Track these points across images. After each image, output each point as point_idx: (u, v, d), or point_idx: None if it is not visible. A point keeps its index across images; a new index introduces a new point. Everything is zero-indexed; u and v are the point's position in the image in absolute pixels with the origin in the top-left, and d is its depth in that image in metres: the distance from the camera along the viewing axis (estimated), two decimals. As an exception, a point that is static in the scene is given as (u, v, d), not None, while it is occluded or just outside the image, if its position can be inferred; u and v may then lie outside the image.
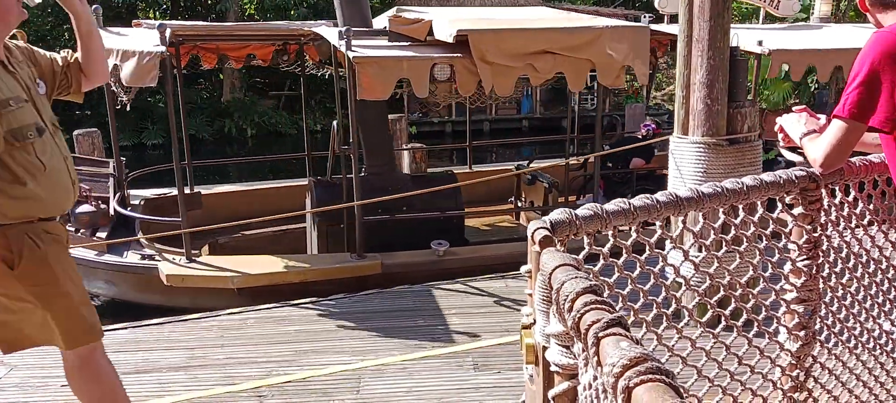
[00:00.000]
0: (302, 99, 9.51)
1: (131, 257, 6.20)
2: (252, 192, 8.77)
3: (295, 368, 4.06)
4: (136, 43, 5.73)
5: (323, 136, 19.59)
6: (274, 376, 3.97)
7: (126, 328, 4.88)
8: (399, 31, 5.93)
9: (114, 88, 6.25)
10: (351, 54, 5.37)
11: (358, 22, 6.31)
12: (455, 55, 5.62)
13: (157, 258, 6.05)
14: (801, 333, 2.13)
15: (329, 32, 6.29)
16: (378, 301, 5.16)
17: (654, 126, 8.62)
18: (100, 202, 6.62)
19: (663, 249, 1.93)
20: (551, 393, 1.36)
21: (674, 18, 6.54)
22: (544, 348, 1.43)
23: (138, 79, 5.50)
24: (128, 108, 6.77)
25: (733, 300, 2.02)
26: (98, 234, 6.43)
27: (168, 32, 5.60)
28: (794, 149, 2.23)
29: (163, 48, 5.49)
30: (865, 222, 2.18)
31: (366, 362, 4.09)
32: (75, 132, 10.36)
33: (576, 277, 1.16)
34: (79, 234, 6.23)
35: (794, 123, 2.14)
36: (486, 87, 5.65)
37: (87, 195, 6.52)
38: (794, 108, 2.20)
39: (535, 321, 1.52)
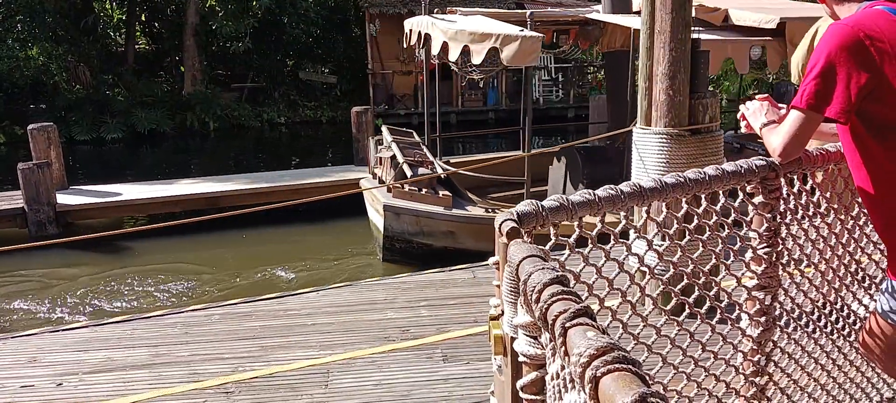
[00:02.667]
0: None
1: (475, 210, 7.34)
2: (485, 160, 9.21)
3: (262, 364, 4.02)
4: (503, 27, 6.88)
5: (287, 129, 19.40)
6: (240, 372, 3.92)
7: (88, 326, 4.78)
8: (697, 18, 6.74)
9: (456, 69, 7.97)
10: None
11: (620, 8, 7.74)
12: (766, 39, 6.85)
13: (493, 211, 6.93)
14: (762, 319, 2.18)
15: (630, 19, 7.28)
16: (346, 293, 5.13)
17: None
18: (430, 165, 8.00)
19: (628, 239, 1.96)
20: (519, 384, 1.37)
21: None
22: (512, 339, 1.44)
23: (521, 59, 6.49)
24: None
25: (697, 288, 2.05)
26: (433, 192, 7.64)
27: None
28: (755, 136, 2.28)
29: (537, 34, 6.54)
30: (822, 209, 2.23)
31: (334, 356, 4.07)
32: (30, 127, 10.08)
33: (543, 268, 1.17)
34: (422, 192, 7.52)
35: (755, 113, 2.19)
36: (792, 68, 5.99)
37: (422, 159, 7.96)
38: (756, 97, 2.24)
39: (502, 312, 1.53)
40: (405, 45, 9.57)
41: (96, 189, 10.26)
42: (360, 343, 4.25)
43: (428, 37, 8.03)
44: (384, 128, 8.77)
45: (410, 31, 8.74)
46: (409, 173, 7.49)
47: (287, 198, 9.32)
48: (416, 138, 8.84)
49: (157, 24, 21.85)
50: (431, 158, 8.18)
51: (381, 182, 8.03)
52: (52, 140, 9.95)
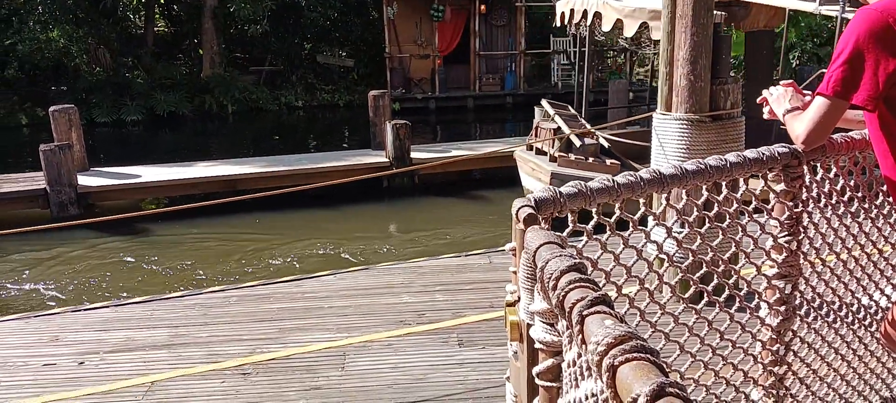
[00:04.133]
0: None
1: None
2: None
3: (279, 345, 4.05)
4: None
5: (304, 112, 19.45)
6: (258, 353, 3.96)
7: (109, 306, 4.85)
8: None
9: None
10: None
11: None
12: None
13: None
14: (782, 308, 2.16)
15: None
16: (363, 277, 5.16)
17: None
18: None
19: (646, 225, 1.94)
20: (535, 370, 1.37)
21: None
22: (528, 325, 1.44)
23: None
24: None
25: (715, 276, 2.03)
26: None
27: None
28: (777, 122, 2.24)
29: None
30: (846, 198, 2.20)
31: (350, 339, 4.10)
32: (51, 109, 10.19)
33: (560, 255, 1.16)
34: (589, 161, 7.86)
35: (779, 98, 2.15)
36: None
37: (584, 131, 8.34)
38: (780, 83, 2.20)
39: (519, 298, 1.52)
40: (558, 25, 9.75)
41: (116, 170, 10.36)
42: (376, 326, 4.27)
43: (597, 14, 8.42)
44: (545, 102, 9.13)
45: (569, 10, 9.11)
46: (577, 143, 7.89)
47: (304, 181, 9.36)
48: (573, 111, 9.19)
49: (176, 7, 21.91)
50: (592, 130, 8.43)
51: (538, 152, 8.49)
52: (73, 122, 10.05)
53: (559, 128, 8.37)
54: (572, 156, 7.92)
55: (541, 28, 21.55)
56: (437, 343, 4.02)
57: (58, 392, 3.63)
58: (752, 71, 9.04)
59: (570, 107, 9.42)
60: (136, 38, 20.39)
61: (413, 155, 10.60)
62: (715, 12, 6.61)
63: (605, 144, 8.27)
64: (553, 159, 8.09)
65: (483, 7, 19.00)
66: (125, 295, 6.47)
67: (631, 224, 1.79)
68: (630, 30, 7.84)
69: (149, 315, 4.60)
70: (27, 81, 17.75)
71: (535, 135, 8.78)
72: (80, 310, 4.80)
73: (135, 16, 21.67)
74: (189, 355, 3.99)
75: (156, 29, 21.11)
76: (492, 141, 13.19)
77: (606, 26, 8.37)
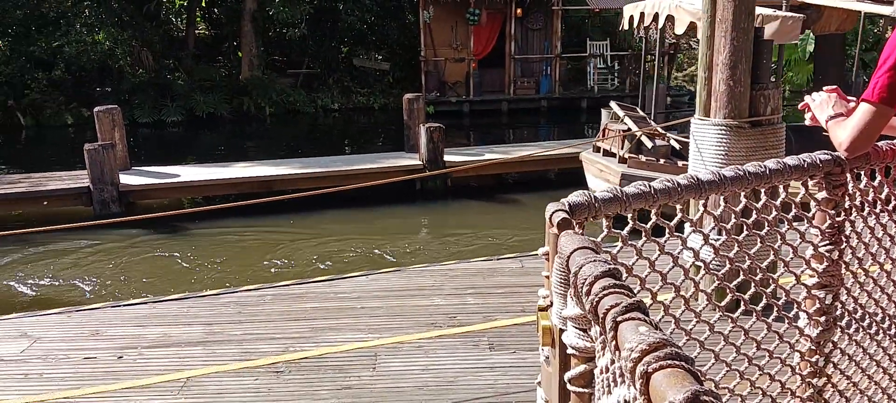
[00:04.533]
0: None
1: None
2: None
3: (311, 345, 4.10)
4: (761, 8, 7.08)
5: (340, 115, 19.63)
6: (291, 352, 4.01)
7: (147, 302, 4.96)
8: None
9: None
10: None
11: None
12: None
13: None
14: (822, 319, 2.11)
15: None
16: (395, 279, 5.18)
17: None
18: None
19: (682, 232, 1.91)
20: (567, 376, 1.36)
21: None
22: (561, 330, 1.43)
23: (782, 37, 6.95)
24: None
25: (753, 284, 1.99)
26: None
27: None
28: (820, 129, 2.19)
29: (798, 15, 7.06)
30: (890, 207, 2.13)
31: (382, 339, 4.12)
32: (96, 109, 10.46)
33: (594, 260, 1.15)
34: (659, 162, 7.96)
35: (822, 105, 2.10)
36: None
37: (654, 133, 8.41)
38: (824, 89, 2.15)
39: (551, 303, 1.51)
40: (625, 28, 9.84)
41: (157, 170, 10.60)
42: (407, 327, 4.28)
43: (670, 17, 8.48)
44: (614, 104, 9.19)
45: (638, 14, 9.17)
46: (649, 144, 7.91)
47: (339, 182, 9.46)
48: (642, 113, 9.25)
49: (216, 10, 22.33)
50: (662, 131, 8.48)
51: (606, 154, 8.59)
52: (116, 122, 10.30)
53: (629, 129, 8.38)
54: (643, 158, 7.90)
55: (577, 32, 21.40)
56: (467, 346, 4.01)
57: (97, 384, 3.72)
58: (820, 74, 8.96)
59: (638, 109, 9.40)
60: (178, 41, 20.83)
61: (446, 158, 10.62)
62: (795, 15, 6.61)
63: (676, 146, 8.22)
64: (622, 160, 8.07)
65: (519, 10, 18.96)
66: (163, 291, 6.60)
67: (667, 230, 1.76)
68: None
69: (185, 311, 4.69)
70: (73, 82, 18.26)
71: (603, 137, 8.77)
72: (119, 306, 4.91)
73: (177, 19, 22.14)
74: (223, 352, 4.06)
75: (196, 32, 21.53)
76: (525, 145, 13.14)
77: (679, 29, 8.41)
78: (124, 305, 4.93)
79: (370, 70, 21.23)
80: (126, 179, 9.83)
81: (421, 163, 10.57)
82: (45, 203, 9.48)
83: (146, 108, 17.76)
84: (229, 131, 17.74)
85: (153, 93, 18.03)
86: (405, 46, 21.14)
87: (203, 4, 21.99)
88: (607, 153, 8.60)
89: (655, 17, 8.81)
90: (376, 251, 8.20)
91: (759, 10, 7.40)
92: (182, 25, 21.76)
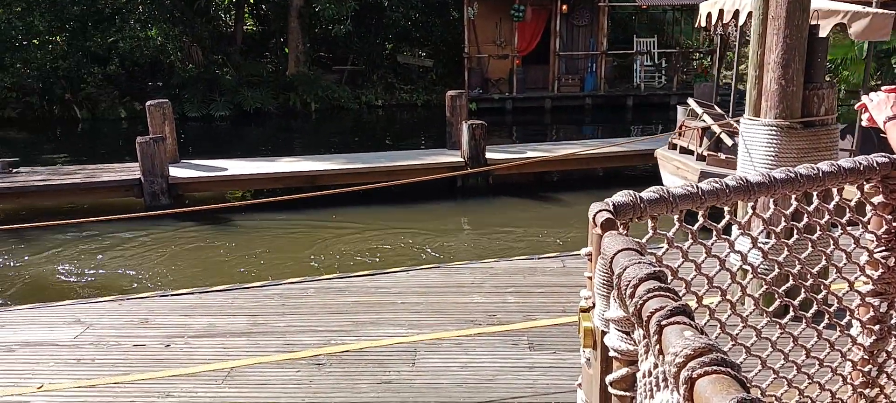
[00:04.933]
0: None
1: None
2: None
3: (352, 338, 4.14)
4: (849, 5, 7.17)
5: (383, 111, 19.77)
6: (332, 345, 4.06)
7: (194, 293, 5.08)
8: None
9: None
10: None
11: None
12: None
13: None
14: (876, 327, 2.03)
15: None
16: (435, 275, 5.20)
17: None
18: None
19: (730, 235, 1.87)
20: (609, 379, 1.34)
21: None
22: (603, 332, 1.41)
23: (871, 34, 6.85)
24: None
25: (803, 290, 1.94)
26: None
27: None
28: (878, 131, 2.11)
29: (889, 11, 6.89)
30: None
31: (422, 335, 4.14)
32: (148, 103, 10.75)
33: (639, 262, 1.14)
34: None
35: (880, 105, 2.03)
36: None
37: (733, 130, 7.96)
38: (882, 89, 2.08)
39: (593, 304, 1.50)
40: (702, 25, 9.80)
41: (205, 163, 10.84)
42: (447, 324, 4.29)
43: (751, 14, 8.36)
44: (691, 101, 9.16)
45: (717, 10, 9.03)
46: (729, 142, 7.81)
47: (382, 178, 9.53)
48: (720, 111, 9.14)
49: (264, 6, 22.71)
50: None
51: (682, 151, 8.54)
52: (166, 116, 10.57)
53: (708, 127, 8.26)
54: (722, 155, 7.76)
55: (624, 29, 21.09)
56: (507, 344, 4.00)
57: (146, 371, 3.83)
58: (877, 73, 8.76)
59: (715, 107, 9.26)
60: (227, 37, 21.26)
61: (488, 155, 10.59)
62: (887, 12, 6.38)
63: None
64: (701, 158, 7.95)
65: (564, 7, 18.77)
66: (209, 281, 6.75)
67: (714, 232, 1.72)
68: (822, 31, 7.76)
69: (230, 302, 4.79)
70: (126, 77, 18.82)
71: (680, 134, 8.67)
72: (168, 295, 5.05)
73: (226, 15, 22.61)
74: (266, 343, 4.13)
75: (245, 28, 21.95)
76: (569, 142, 13.02)
77: None
78: (173, 295, 5.06)
79: (413, 67, 21.32)
80: (175, 172, 10.08)
81: (463, 160, 10.56)
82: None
83: (195, 103, 18.18)
84: (275, 126, 18.03)
85: (202, 88, 18.45)
86: (449, 43, 21.16)
87: (251, 1, 22.40)
88: (684, 150, 8.47)
89: (735, 14, 8.56)
90: (417, 247, 8.23)
91: (844, 7, 7.05)
92: (230, 21, 22.21)
